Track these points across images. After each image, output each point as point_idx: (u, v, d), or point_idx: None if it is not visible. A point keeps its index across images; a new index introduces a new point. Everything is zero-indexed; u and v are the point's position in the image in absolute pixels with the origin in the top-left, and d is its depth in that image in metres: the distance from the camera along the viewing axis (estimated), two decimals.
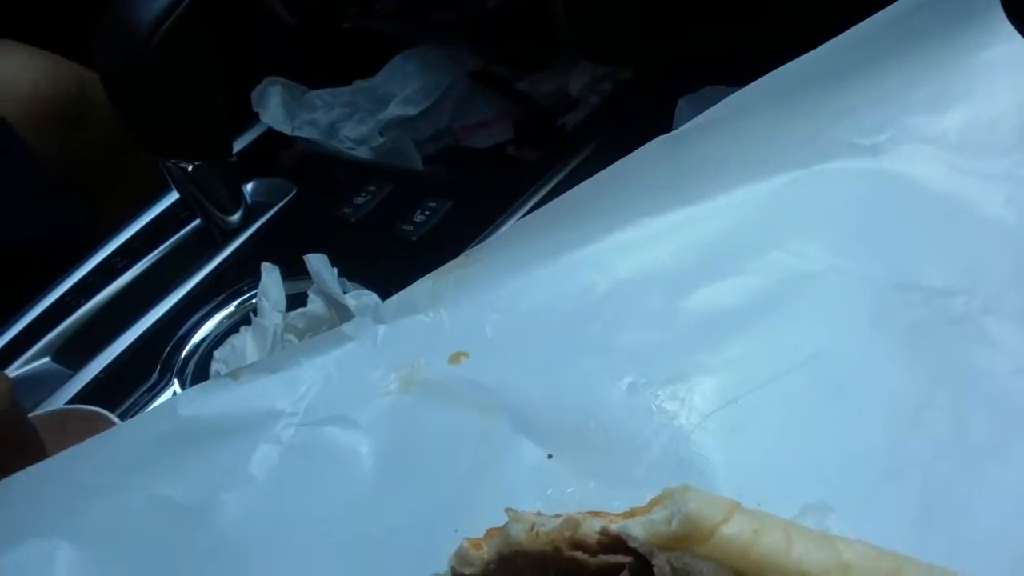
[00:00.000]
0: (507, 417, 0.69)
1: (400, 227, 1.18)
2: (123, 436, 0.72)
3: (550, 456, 0.66)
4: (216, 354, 0.96)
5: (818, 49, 0.77)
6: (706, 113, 0.80)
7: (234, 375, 0.73)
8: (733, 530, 0.49)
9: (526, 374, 0.71)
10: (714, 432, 0.64)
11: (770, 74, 0.78)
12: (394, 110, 1.34)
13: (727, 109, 0.80)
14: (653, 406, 0.67)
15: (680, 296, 0.72)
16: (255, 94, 1.40)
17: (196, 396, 0.72)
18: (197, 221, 1.29)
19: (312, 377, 0.74)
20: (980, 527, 0.57)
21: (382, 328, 0.76)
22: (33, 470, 0.71)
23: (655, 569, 0.47)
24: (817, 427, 0.63)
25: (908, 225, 0.73)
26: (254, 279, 1.08)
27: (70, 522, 0.69)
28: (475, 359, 0.73)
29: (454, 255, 0.78)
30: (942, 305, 0.68)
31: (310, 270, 0.85)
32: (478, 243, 0.83)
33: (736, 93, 0.80)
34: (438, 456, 0.68)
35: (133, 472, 0.69)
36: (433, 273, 0.77)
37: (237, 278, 1.18)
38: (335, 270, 0.89)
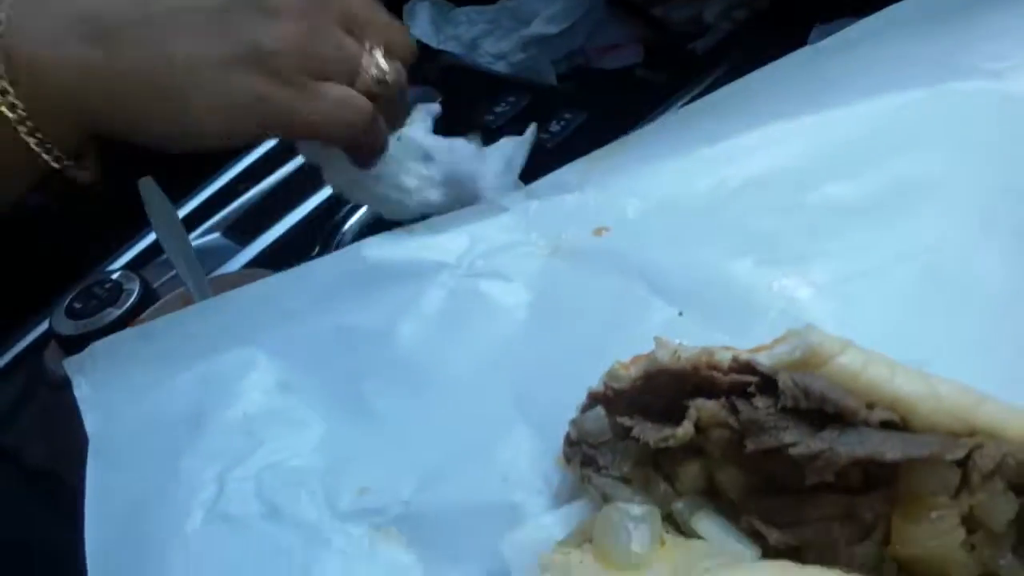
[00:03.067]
0: (643, 280, 0.79)
1: (538, 136, 1.28)
2: (316, 271, 0.85)
3: (680, 313, 0.76)
4: None
5: None
6: (839, 34, 0.88)
7: (408, 230, 0.86)
8: (846, 359, 0.58)
9: (661, 249, 0.81)
10: (827, 304, 0.74)
11: (897, 4, 0.86)
12: (535, 28, 1.43)
13: (858, 32, 0.87)
14: (774, 280, 0.76)
15: (806, 191, 0.81)
16: (407, 9, 1.51)
17: (378, 243, 0.85)
18: None
19: (475, 238, 0.85)
20: None
21: (535, 203, 0.88)
22: (239, 292, 0.85)
23: (779, 383, 0.57)
24: (921, 306, 0.72)
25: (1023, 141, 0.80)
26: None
27: (269, 337, 0.82)
28: (616, 233, 0.84)
29: None
30: None
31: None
32: None
33: (866, 19, 0.88)
34: (582, 308, 0.79)
35: (323, 300, 0.83)
36: (585, 157, 0.87)
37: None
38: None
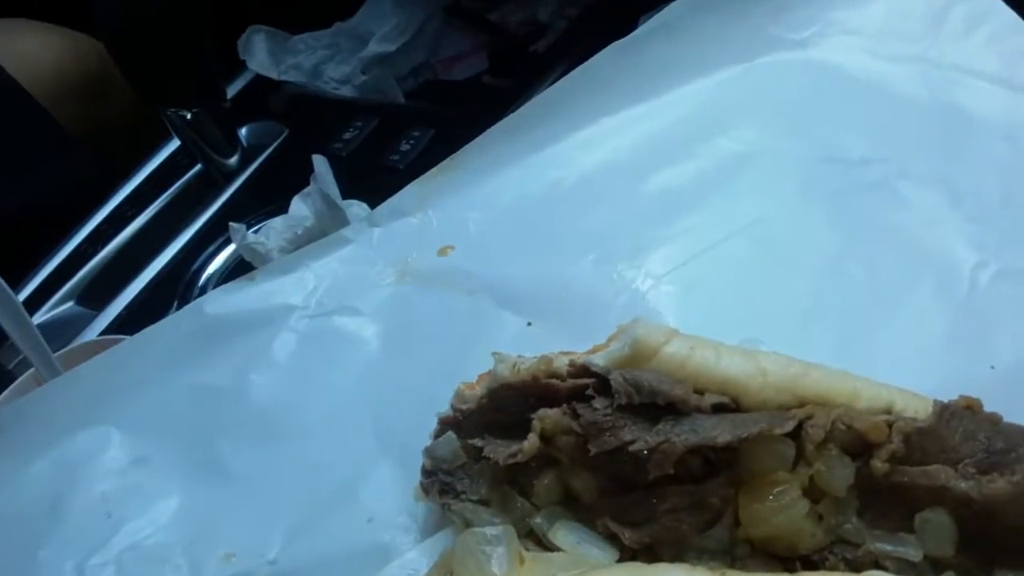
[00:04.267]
0: (491, 296, 0.79)
1: (388, 158, 1.27)
2: (161, 333, 0.82)
3: (529, 324, 0.77)
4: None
5: None
6: (655, 17, 0.90)
7: (250, 277, 0.84)
8: (672, 349, 0.59)
9: (506, 260, 0.82)
10: (666, 291, 0.75)
11: None
12: (373, 48, 1.42)
13: (673, 13, 0.89)
14: (614, 275, 0.77)
15: (637, 182, 0.82)
16: (241, 43, 1.47)
17: (219, 296, 0.82)
18: (199, 166, 1.38)
19: (319, 276, 0.84)
20: (888, 356, 0.68)
21: (377, 231, 0.86)
22: (87, 367, 0.81)
23: (612, 383, 0.58)
24: (753, 280, 0.74)
25: (833, 107, 0.83)
26: (255, 215, 1.20)
27: (120, 410, 0.79)
28: (461, 251, 0.84)
29: None
30: (861, 173, 0.78)
31: (316, 170, 0.94)
32: None
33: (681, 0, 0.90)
34: (433, 332, 0.79)
35: (171, 363, 0.80)
36: (418, 180, 0.87)
37: (240, 215, 1.27)
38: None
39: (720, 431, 0.55)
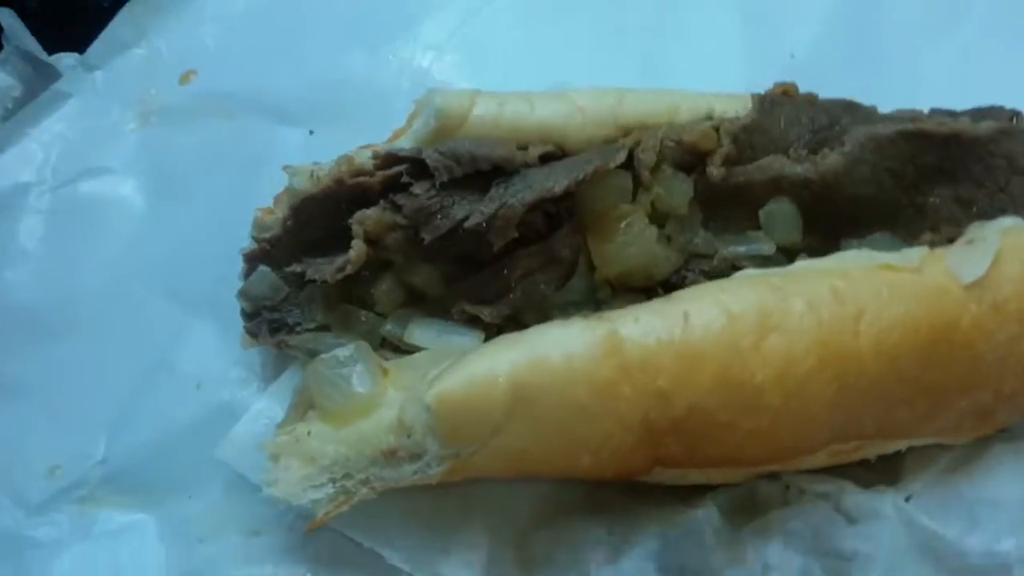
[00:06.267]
0: (257, 113, 0.70)
1: None
2: None
3: (311, 132, 0.69)
4: None
5: None
6: None
7: None
8: (481, 110, 0.54)
9: (262, 70, 0.72)
10: (451, 60, 0.69)
11: None
12: None
13: None
14: (390, 56, 0.70)
15: None
16: None
17: None
18: None
19: (45, 143, 0.71)
20: (692, 64, 0.66)
21: (98, 74, 0.73)
22: None
23: (427, 161, 0.52)
24: (542, 23, 0.70)
25: None
26: None
27: None
28: (206, 73, 0.72)
29: None
30: None
31: (4, 27, 0.77)
32: None
33: None
34: (202, 169, 0.69)
35: None
36: (128, 4, 0.73)
37: None
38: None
39: (555, 180, 0.52)
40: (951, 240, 0.54)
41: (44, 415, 0.62)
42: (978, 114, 0.58)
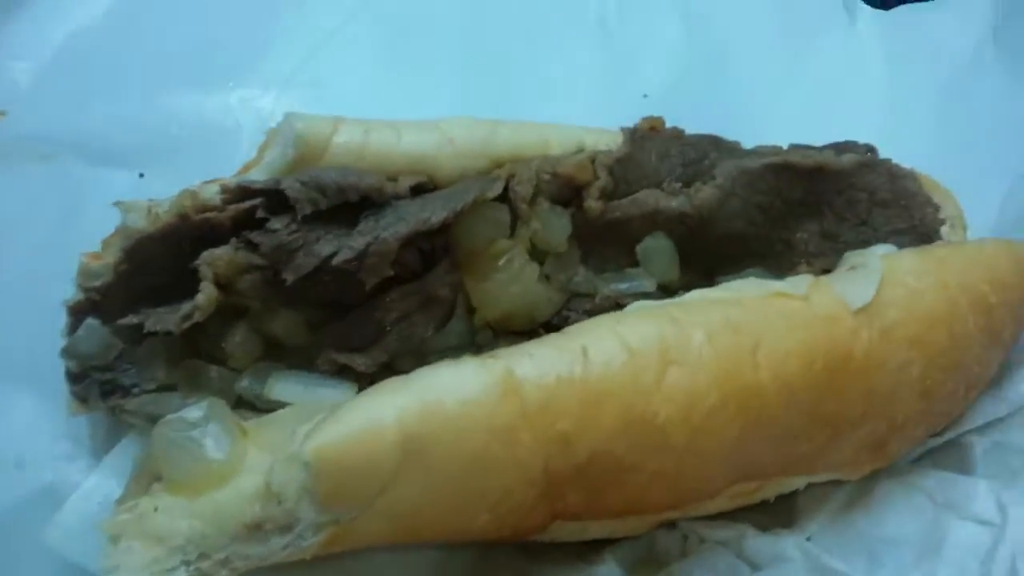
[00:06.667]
0: (77, 155, 0.63)
1: None
2: None
3: (142, 175, 0.62)
4: None
5: None
6: None
7: None
8: (344, 137, 0.50)
9: (81, 110, 0.64)
10: (297, 95, 0.65)
11: None
12: None
13: None
14: (230, 95, 0.65)
15: None
16: None
17: None
18: None
19: None
20: (552, 100, 0.65)
21: None
22: None
23: (287, 192, 0.47)
24: (396, 55, 0.67)
25: None
26: None
27: None
28: (16, 115, 0.64)
29: None
30: None
31: None
32: None
33: None
34: (16, 221, 0.60)
35: None
36: None
37: None
38: None
39: (431, 211, 0.48)
40: (826, 271, 0.54)
41: None
42: (837, 148, 0.59)
